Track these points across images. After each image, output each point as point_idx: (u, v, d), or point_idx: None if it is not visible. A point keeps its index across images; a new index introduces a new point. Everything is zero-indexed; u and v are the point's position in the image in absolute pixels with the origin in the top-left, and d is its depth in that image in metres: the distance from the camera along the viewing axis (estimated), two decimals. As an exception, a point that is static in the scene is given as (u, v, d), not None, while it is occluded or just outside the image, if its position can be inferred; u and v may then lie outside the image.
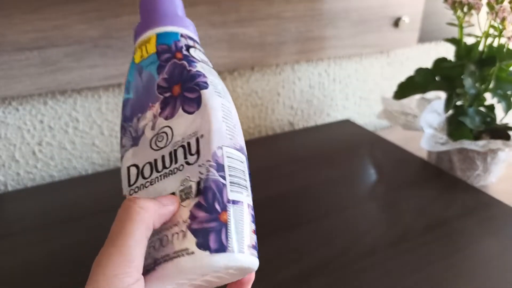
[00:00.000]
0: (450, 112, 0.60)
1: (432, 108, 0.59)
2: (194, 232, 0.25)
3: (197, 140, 0.27)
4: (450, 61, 0.60)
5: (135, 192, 0.28)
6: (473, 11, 0.55)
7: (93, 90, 0.61)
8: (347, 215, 0.46)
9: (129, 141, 0.30)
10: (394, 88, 0.63)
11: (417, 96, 0.65)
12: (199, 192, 0.26)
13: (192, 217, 0.25)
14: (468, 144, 0.54)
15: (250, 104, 0.75)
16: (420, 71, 0.61)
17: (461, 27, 0.57)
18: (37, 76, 0.54)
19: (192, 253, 0.24)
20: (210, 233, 0.25)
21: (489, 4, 0.53)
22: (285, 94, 0.78)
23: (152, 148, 0.28)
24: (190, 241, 0.24)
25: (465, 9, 0.55)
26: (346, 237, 0.47)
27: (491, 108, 0.60)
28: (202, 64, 0.31)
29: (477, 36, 0.57)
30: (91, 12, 0.54)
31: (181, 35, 0.32)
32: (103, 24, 0.55)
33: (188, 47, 0.31)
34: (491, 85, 0.57)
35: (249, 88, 0.73)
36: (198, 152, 0.27)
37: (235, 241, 0.25)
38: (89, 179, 0.61)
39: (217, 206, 0.26)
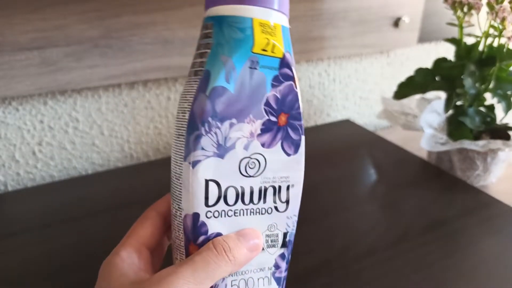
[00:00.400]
0: (450, 112, 0.60)
1: (432, 108, 0.59)
2: (277, 280, 0.28)
3: (288, 188, 0.28)
4: (450, 61, 0.60)
5: (215, 217, 0.26)
6: (473, 11, 0.55)
7: (93, 90, 0.61)
8: (347, 215, 0.46)
9: (212, 146, 0.24)
10: (394, 88, 0.63)
11: (417, 96, 0.65)
12: (284, 244, 0.28)
13: (276, 266, 0.28)
14: (468, 144, 0.54)
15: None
16: (420, 71, 0.61)
17: (461, 27, 0.57)
18: (37, 76, 0.54)
19: None
20: (284, 281, 0.29)
21: (489, 4, 0.53)
22: (285, 94, 0.77)
23: (241, 172, 0.25)
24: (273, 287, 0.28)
25: (465, 9, 0.55)
26: (346, 237, 0.47)
27: (491, 108, 0.60)
28: None
29: (477, 36, 0.57)
30: (91, 12, 0.54)
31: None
32: (103, 24, 0.55)
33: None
34: (491, 85, 0.57)
35: (249, 88, 0.73)
36: (288, 202, 0.28)
37: None
38: (89, 179, 0.61)
39: (289, 257, 0.29)
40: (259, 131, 0.25)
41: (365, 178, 0.60)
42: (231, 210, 0.26)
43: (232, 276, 0.27)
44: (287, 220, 0.28)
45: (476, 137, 0.59)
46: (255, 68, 0.24)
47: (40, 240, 0.47)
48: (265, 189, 0.27)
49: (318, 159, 0.64)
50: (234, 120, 0.24)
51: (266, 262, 0.28)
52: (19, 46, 0.52)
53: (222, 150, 0.25)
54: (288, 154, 0.27)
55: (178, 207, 0.26)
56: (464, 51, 0.58)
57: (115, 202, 0.52)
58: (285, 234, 0.28)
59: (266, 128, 0.25)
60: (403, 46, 0.84)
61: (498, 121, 0.59)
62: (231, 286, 0.27)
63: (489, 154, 0.56)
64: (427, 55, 0.91)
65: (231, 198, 0.26)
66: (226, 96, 0.24)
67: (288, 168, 0.27)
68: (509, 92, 0.57)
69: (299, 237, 0.47)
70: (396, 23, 0.79)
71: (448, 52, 0.88)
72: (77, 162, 0.64)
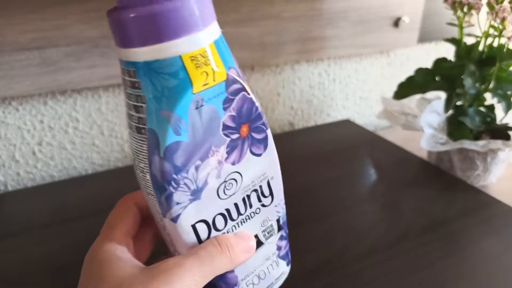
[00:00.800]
0: (450, 112, 0.60)
1: (432, 108, 0.59)
2: (282, 258, 0.31)
3: (268, 183, 0.27)
4: (450, 61, 0.60)
5: None
6: (473, 11, 0.55)
7: (93, 90, 0.61)
8: (347, 215, 0.46)
9: (186, 196, 0.23)
10: (394, 88, 0.63)
11: (417, 96, 0.65)
12: (280, 227, 0.30)
13: (279, 248, 0.31)
14: (468, 144, 0.54)
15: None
16: (420, 71, 0.61)
17: (461, 27, 0.57)
18: (37, 76, 0.54)
19: (285, 273, 0.32)
20: (288, 253, 0.32)
21: (489, 4, 0.53)
22: (285, 94, 0.78)
23: (221, 198, 0.25)
24: (282, 266, 0.31)
25: (465, 9, 0.55)
26: (346, 237, 0.47)
27: (491, 108, 0.60)
28: None
29: (477, 36, 0.57)
30: (91, 12, 0.54)
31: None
32: (103, 24, 0.55)
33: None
34: (491, 85, 0.57)
35: (249, 88, 0.73)
36: (271, 194, 0.28)
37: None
38: (89, 179, 0.61)
39: (287, 231, 0.31)
40: (225, 155, 0.24)
41: (365, 178, 0.60)
42: (224, 232, 0.26)
43: (245, 278, 0.29)
44: (275, 209, 0.29)
45: (476, 137, 0.59)
46: (202, 106, 0.22)
47: (40, 240, 0.47)
48: (248, 197, 0.27)
49: (318, 159, 0.64)
50: (198, 162, 0.23)
51: (269, 251, 0.30)
52: (19, 46, 0.52)
53: (196, 193, 0.24)
54: (259, 155, 0.26)
55: (175, 250, 0.26)
56: (464, 51, 0.58)
57: (115, 202, 0.52)
58: (277, 220, 0.30)
59: (232, 148, 0.24)
60: (403, 46, 0.84)
61: (498, 121, 0.59)
62: (247, 286, 0.29)
63: (489, 154, 0.56)
64: (427, 55, 0.91)
65: (220, 224, 0.26)
66: (182, 148, 0.22)
67: (262, 166, 0.27)
68: (509, 92, 0.57)
69: (299, 237, 0.47)
70: (396, 23, 0.79)
71: (448, 52, 0.88)
72: (77, 162, 0.64)
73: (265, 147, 0.26)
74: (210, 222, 0.25)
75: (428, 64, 0.62)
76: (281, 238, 0.31)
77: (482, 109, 0.59)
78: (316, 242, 0.46)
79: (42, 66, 0.54)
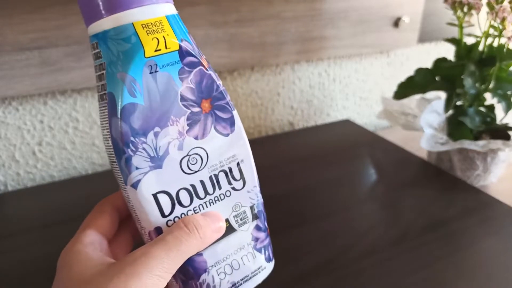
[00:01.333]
0: (450, 112, 0.60)
1: (432, 108, 0.59)
2: (259, 251, 0.30)
3: (238, 165, 0.27)
4: (450, 61, 0.60)
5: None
6: (473, 11, 0.55)
7: (93, 90, 0.61)
8: (347, 215, 0.46)
9: (146, 162, 0.24)
10: (394, 88, 0.63)
11: (417, 96, 0.65)
12: (254, 216, 0.29)
13: (255, 239, 0.29)
14: (468, 144, 0.54)
15: (250, 104, 0.75)
16: (420, 71, 0.61)
17: (461, 27, 0.57)
18: (37, 76, 0.54)
19: (264, 268, 0.30)
20: (267, 248, 0.30)
21: (489, 4, 0.53)
22: (285, 94, 0.78)
23: (185, 172, 0.26)
24: (260, 260, 0.30)
25: (465, 9, 0.55)
26: (346, 237, 0.47)
27: (491, 108, 0.60)
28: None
29: (477, 36, 0.57)
30: (91, 12, 0.54)
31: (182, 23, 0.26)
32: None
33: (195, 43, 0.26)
34: (491, 85, 0.57)
35: (249, 88, 0.74)
36: (242, 178, 0.28)
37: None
38: (89, 179, 0.61)
39: (266, 224, 0.30)
40: (187, 127, 0.25)
41: (365, 178, 0.60)
42: (190, 210, 0.26)
43: (215, 265, 0.27)
44: (248, 195, 0.28)
45: (476, 137, 0.59)
46: (156, 71, 0.24)
47: (40, 240, 0.47)
48: (216, 176, 0.27)
49: (318, 159, 0.65)
50: (157, 129, 0.24)
51: (243, 240, 0.29)
52: (19, 46, 0.52)
53: (157, 161, 0.24)
54: (226, 135, 0.27)
55: (140, 226, 0.26)
56: (464, 51, 0.58)
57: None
58: (251, 208, 0.29)
59: (193, 121, 0.25)
60: (403, 46, 0.84)
61: (498, 121, 0.59)
62: (218, 274, 0.28)
63: (489, 154, 0.56)
64: (427, 55, 0.91)
65: (185, 199, 0.26)
66: (139, 111, 0.23)
67: (231, 147, 0.27)
68: (509, 92, 0.57)
69: (299, 237, 0.47)
70: (396, 23, 0.79)
71: (448, 52, 0.88)
72: (77, 162, 0.64)
73: (232, 127, 0.27)
74: (174, 195, 0.25)
75: (428, 64, 0.62)
76: (258, 228, 0.29)
77: (482, 109, 0.59)
78: (316, 242, 0.46)
79: (42, 66, 0.54)
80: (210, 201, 0.27)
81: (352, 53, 0.78)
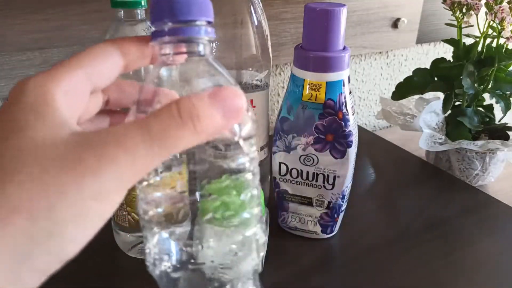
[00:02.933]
0: (449, 112, 0.60)
1: (431, 108, 0.59)
2: (320, 225, 0.45)
3: (334, 178, 0.42)
4: (449, 61, 0.60)
5: (284, 182, 0.44)
6: (472, 12, 0.55)
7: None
8: (346, 214, 0.46)
9: (282, 146, 0.42)
10: (393, 88, 0.63)
11: (415, 97, 0.65)
12: (328, 207, 0.44)
13: (321, 217, 0.45)
14: (466, 144, 0.55)
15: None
16: (418, 71, 0.61)
17: (459, 28, 0.57)
18: (38, 76, 0.55)
19: (318, 234, 0.46)
20: (328, 226, 0.45)
21: (488, 5, 0.53)
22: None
23: (301, 162, 0.42)
24: (318, 228, 0.46)
25: (464, 10, 0.56)
26: (345, 236, 0.47)
27: (489, 108, 0.60)
28: (352, 118, 0.40)
29: (476, 37, 0.57)
30: (92, 13, 0.54)
31: (343, 84, 0.39)
32: (104, 25, 0.55)
33: (345, 102, 0.39)
34: (489, 86, 0.57)
35: (249, 88, 0.74)
36: (333, 185, 0.42)
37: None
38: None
39: (335, 215, 0.45)
40: (312, 142, 0.40)
41: (364, 178, 0.60)
42: (295, 181, 0.43)
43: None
44: (331, 195, 0.43)
45: (475, 137, 0.59)
46: (306, 108, 0.40)
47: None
48: (317, 174, 0.42)
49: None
50: (294, 134, 0.41)
51: (314, 212, 0.44)
52: (21, 46, 0.53)
53: (288, 149, 0.42)
54: (336, 158, 0.41)
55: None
56: (463, 52, 0.59)
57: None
58: (329, 202, 0.44)
59: (317, 141, 0.40)
60: (402, 46, 0.84)
61: (496, 121, 0.60)
62: (294, 220, 0.46)
63: (488, 154, 0.57)
64: (426, 55, 0.92)
65: (294, 174, 0.43)
66: (289, 122, 0.41)
67: (336, 166, 0.41)
68: (507, 92, 0.57)
69: (298, 236, 0.47)
70: (395, 24, 0.79)
71: (447, 53, 0.89)
72: (78, 162, 0.64)
73: (342, 156, 0.40)
74: (289, 168, 0.43)
75: (427, 65, 0.62)
76: (326, 214, 0.45)
77: (480, 109, 0.60)
78: (315, 241, 0.46)
79: (43, 66, 0.54)
80: (307, 183, 0.43)
81: (352, 53, 0.79)
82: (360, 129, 0.77)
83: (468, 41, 0.59)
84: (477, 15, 0.55)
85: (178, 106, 0.18)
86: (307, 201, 0.44)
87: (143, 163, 0.17)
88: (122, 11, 0.38)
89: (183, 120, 0.18)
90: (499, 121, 0.59)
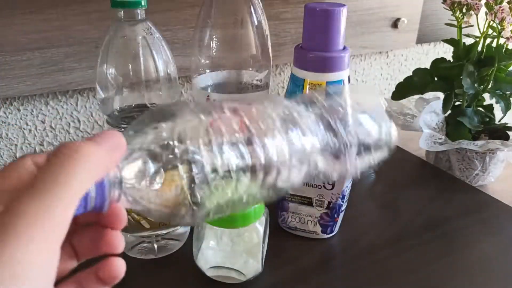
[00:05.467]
0: (449, 112, 0.60)
1: (431, 108, 0.59)
2: (320, 225, 0.45)
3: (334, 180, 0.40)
4: (449, 61, 0.60)
5: None
6: (472, 12, 0.55)
7: (94, 90, 0.61)
8: (345, 214, 0.46)
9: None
10: (393, 88, 0.63)
11: (415, 96, 0.65)
12: (327, 207, 0.44)
13: (321, 217, 0.45)
14: (466, 144, 0.55)
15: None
16: (418, 71, 0.61)
17: (459, 28, 0.57)
18: (39, 76, 0.55)
19: (318, 234, 0.46)
20: (328, 226, 0.45)
21: (488, 5, 0.53)
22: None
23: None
24: (318, 228, 0.46)
25: (464, 10, 0.56)
26: (345, 237, 0.47)
27: (489, 108, 0.60)
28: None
29: (476, 37, 0.57)
30: (92, 13, 0.54)
31: (343, 84, 0.39)
32: (104, 25, 0.55)
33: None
34: (489, 86, 0.57)
35: (249, 88, 0.74)
36: (333, 185, 0.43)
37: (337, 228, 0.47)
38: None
39: (335, 215, 0.45)
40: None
41: (364, 178, 0.60)
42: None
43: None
44: (331, 195, 0.43)
45: (475, 137, 0.59)
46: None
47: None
48: (317, 175, 0.37)
49: (318, 159, 0.65)
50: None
51: (314, 213, 0.45)
52: (20, 46, 0.53)
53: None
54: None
55: None
56: (463, 52, 0.59)
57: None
58: (329, 202, 0.44)
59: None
60: (402, 47, 0.84)
61: (497, 121, 0.60)
62: (294, 220, 0.46)
63: (488, 154, 0.57)
64: (426, 55, 0.92)
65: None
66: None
67: (335, 167, 0.37)
68: (508, 92, 0.57)
69: (297, 236, 0.47)
70: (395, 24, 0.79)
71: (447, 53, 0.89)
72: (78, 162, 0.64)
73: (339, 159, 0.37)
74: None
75: (427, 65, 0.62)
76: (326, 214, 0.45)
77: (480, 109, 0.60)
78: (315, 241, 0.46)
79: (43, 66, 0.54)
80: (308, 184, 0.43)
81: (352, 53, 0.79)
82: (360, 129, 0.77)
83: (468, 41, 0.59)
84: (477, 15, 0.55)
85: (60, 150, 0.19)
86: (307, 201, 0.44)
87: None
88: (122, 11, 0.38)
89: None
90: (499, 121, 0.59)
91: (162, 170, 0.22)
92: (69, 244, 0.23)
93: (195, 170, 0.23)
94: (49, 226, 0.16)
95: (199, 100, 0.46)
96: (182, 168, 0.23)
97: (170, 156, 0.23)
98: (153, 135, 0.23)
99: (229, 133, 0.24)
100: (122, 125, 0.40)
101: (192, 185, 0.23)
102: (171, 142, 0.23)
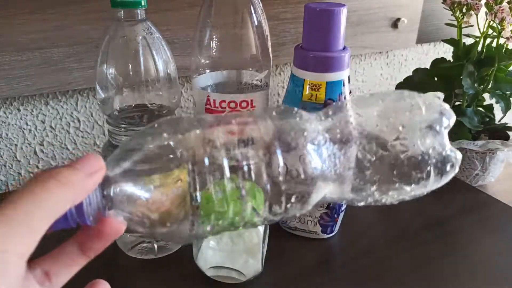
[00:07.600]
0: (449, 112, 0.60)
1: (431, 108, 0.59)
2: (320, 224, 0.45)
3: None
4: (449, 61, 0.60)
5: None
6: (472, 12, 0.55)
7: (94, 90, 0.61)
8: (346, 214, 0.46)
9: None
10: (393, 88, 0.63)
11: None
12: (327, 207, 0.44)
13: (321, 217, 0.45)
14: (466, 144, 0.55)
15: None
16: (418, 71, 0.62)
17: (459, 28, 0.57)
18: (39, 76, 0.55)
19: (318, 234, 0.46)
20: (328, 226, 0.45)
21: (488, 5, 0.53)
22: (285, 94, 0.78)
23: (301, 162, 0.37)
24: (318, 228, 0.45)
25: (464, 10, 0.56)
26: (345, 236, 0.47)
27: (489, 108, 0.60)
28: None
29: (476, 37, 0.58)
30: (92, 13, 0.54)
31: (343, 84, 0.39)
32: (104, 25, 0.55)
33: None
34: (489, 86, 0.57)
35: (249, 88, 0.74)
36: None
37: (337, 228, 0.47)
38: (90, 179, 0.61)
39: (335, 215, 0.45)
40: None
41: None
42: None
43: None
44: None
45: (475, 137, 0.59)
46: (305, 108, 0.34)
47: (40, 240, 0.47)
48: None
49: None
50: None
51: (314, 213, 0.44)
52: (20, 46, 0.53)
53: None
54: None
55: None
56: (463, 52, 0.59)
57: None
58: (328, 204, 0.43)
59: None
60: (402, 46, 0.84)
61: (497, 121, 0.60)
62: (294, 219, 0.46)
63: (488, 154, 0.57)
64: (426, 55, 0.92)
65: (294, 173, 0.35)
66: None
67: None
68: (507, 92, 0.57)
69: (297, 236, 0.47)
70: (395, 24, 0.79)
71: (447, 53, 0.89)
72: (78, 162, 0.64)
73: None
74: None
75: (427, 65, 0.62)
76: (326, 214, 0.45)
77: (480, 109, 0.60)
78: (315, 241, 0.46)
79: (43, 66, 0.54)
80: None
81: (352, 53, 0.79)
82: (360, 129, 0.77)
83: (468, 41, 0.59)
84: (477, 15, 0.55)
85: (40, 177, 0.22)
86: None
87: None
88: (122, 11, 0.38)
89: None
90: (499, 121, 0.59)
91: (151, 181, 0.23)
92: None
93: (190, 179, 0.23)
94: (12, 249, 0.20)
95: (199, 101, 0.46)
96: (175, 178, 0.24)
97: (164, 164, 0.24)
98: (150, 145, 0.24)
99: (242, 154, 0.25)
100: (122, 125, 0.40)
101: (190, 194, 0.23)
102: (167, 151, 0.24)
